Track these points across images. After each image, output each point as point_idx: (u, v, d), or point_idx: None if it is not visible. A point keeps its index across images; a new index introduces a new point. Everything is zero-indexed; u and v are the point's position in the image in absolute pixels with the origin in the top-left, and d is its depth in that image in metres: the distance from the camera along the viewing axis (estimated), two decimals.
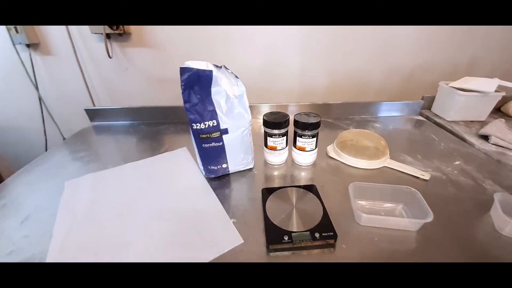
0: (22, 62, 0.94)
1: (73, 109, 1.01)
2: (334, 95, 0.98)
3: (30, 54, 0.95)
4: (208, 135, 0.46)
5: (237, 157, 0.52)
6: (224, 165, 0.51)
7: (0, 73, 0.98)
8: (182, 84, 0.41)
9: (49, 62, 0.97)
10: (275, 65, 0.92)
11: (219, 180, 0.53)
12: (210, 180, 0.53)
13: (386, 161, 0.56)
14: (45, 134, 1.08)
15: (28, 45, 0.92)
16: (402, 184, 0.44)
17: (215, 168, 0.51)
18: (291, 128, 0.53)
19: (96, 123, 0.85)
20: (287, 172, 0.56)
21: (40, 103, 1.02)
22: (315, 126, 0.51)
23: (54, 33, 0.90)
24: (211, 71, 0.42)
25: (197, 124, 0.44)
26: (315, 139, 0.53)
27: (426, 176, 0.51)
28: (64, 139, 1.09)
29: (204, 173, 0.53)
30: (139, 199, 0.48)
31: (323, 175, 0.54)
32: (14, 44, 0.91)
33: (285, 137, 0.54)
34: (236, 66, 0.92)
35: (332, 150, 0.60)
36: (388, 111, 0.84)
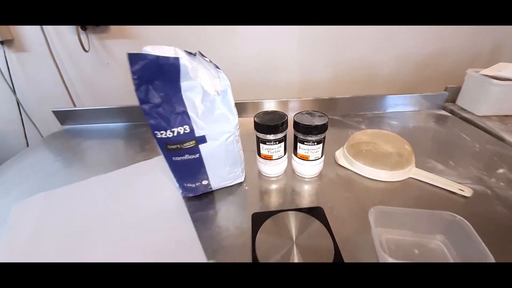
0: None
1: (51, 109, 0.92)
2: (339, 88, 0.85)
3: (4, 52, 0.85)
4: (179, 146, 0.35)
5: (221, 171, 0.40)
6: (205, 182, 0.40)
7: None
8: (134, 77, 0.29)
9: (24, 60, 0.86)
10: (272, 57, 0.80)
11: (200, 200, 0.42)
12: (188, 200, 0.42)
13: (412, 171, 0.44)
14: (25, 138, 0.98)
15: (1, 42, 0.82)
16: (435, 203, 0.33)
17: (193, 186, 0.40)
18: (290, 130, 0.42)
19: (67, 126, 0.74)
20: (286, 185, 0.44)
21: (18, 105, 0.91)
22: (321, 129, 0.39)
23: (28, 28, 0.79)
24: (177, 59, 0.30)
25: (161, 131, 0.33)
26: (321, 145, 0.41)
27: (467, 191, 0.39)
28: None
29: (180, 191, 0.42)
30: (95, 228, 0.38)
31: (332, 191, 0.42)
32: None
33: (282, 143, 0.42)
34: (229, 57, 0.80)
35: (342, 156, 0.48)
36: (405, 105, 0.72)
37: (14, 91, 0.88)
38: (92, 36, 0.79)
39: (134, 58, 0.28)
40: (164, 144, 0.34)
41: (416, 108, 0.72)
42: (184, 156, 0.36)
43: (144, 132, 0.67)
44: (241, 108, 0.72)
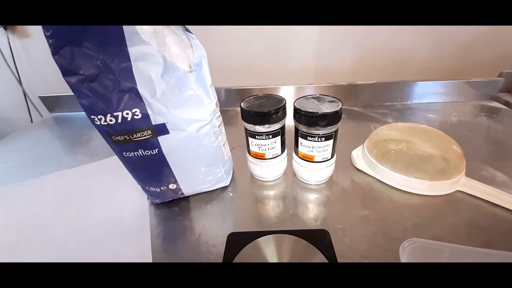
0: None
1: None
2: (362, 75, 0.72)
3: (7, 37, 0.80)
4: (128, 137, 0.25)
5: (194, 173, 0.30)
6: (172, 186, 0.30)
7: None
8: (47, 34, 0.20)
9: (27, 45, 0.81)
10: (285, 38, 0.68)
11: (168, 208, 0.32)
12: (155, 207, 0.32)
13: (461, 182, 0.31)
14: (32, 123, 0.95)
15: (5, 28, 0.77)
16: (500, 233, 0.21)
17: (157, 190, 0.30)
18: (290, 121, 0.31)
19: (56, 114, 0.68)
20: (283, 194, 0.33)
21: (24, 93, 0.88)
22: (332, 119, 0.28)
23: None
24: None
25: (99, 116, 0.23)
26: (330, 142, 0.30)
27: None
28: None
29: (147, 196, 0.33)
30: (34, 236, 0.30)
31: (345, 206, 0.31)
32: None
33: (278, 137, 0.31)
34: (238, 39, 0.70)
35: (360, 158, 0.37)
36: (446, 94, 0.57)
37: (19, 79, 0.84)
38: None
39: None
40: (107, 134, 0.25)
41: (460, 98, 0.57)
42: (137, 151, 0.26)
43: None
44: (241, 95, 0.61)
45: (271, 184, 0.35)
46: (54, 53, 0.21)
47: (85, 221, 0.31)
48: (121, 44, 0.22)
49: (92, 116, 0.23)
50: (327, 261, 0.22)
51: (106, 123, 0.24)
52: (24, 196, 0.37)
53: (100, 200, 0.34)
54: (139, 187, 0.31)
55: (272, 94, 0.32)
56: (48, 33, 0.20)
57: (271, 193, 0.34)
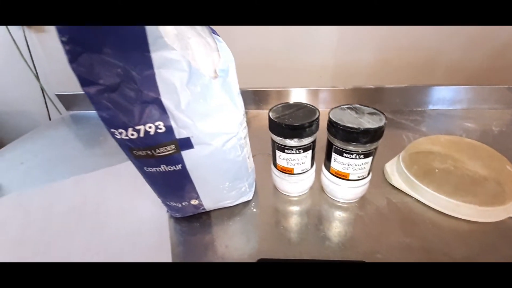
0: (14, 41, 0.79)
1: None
2: (385, 76, 0.67)
3: (24, 32, 0.80)
4: (150, 152, 0.23)
5: (218, 188, 0.28)
6: (194, 202, 0.28)
7: None
8: (63, 39, 0.17)
9: (44, 39, 0.81)
10: (303, 35, 0.64)
11: (188, 223, 0.30)
12: (175, 220, 0.31)
13: None
14: (49, 118, 0.96)
15: None
16: None
17: (178, 205, 0.28)
18: (321, 134, 0.28)
19: (73, 112, 0.67)
20: (311, 211, 0.31)
21: (41, 87, 0.88)
22: (374, 135, 0.24)
23: None
24: None
25: (120, 130, 0.21)
26: (369, 159, 0.27)
27: None
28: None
29: (167, 209, 0.31)
30: (54, 242, 0.28)
31: (382, 230, 0.28)
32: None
33: (309, 151, 0.28)
34: (254, 35, 0.66)
35: (395, 173, 0.33)
36: (483, 100, 0.53)
37: (36, 73, 0.84)
38: None
39: None
40: (128, 149, 0.23)
41: (499, 105, 0.52)
42: (159, 167, 0.24)
43: None
44: (258, 96, 0.58)
45: (296, 200, 0.33)
46: (71, 61, 0.18)
47: (103, 234, 0.30)
48: (143, 50, 0.20)
49: (112, 130, 0.21)
50: None
51: (127, 138, 0.21)
52: (39, 202, 0.35)
53: (117, 210, 0.33)
54: (159, 199, 0.29)
55: (302, 103, 0.29)
56: (65, 39, 0.17)
57: (297, 209, 0.31)
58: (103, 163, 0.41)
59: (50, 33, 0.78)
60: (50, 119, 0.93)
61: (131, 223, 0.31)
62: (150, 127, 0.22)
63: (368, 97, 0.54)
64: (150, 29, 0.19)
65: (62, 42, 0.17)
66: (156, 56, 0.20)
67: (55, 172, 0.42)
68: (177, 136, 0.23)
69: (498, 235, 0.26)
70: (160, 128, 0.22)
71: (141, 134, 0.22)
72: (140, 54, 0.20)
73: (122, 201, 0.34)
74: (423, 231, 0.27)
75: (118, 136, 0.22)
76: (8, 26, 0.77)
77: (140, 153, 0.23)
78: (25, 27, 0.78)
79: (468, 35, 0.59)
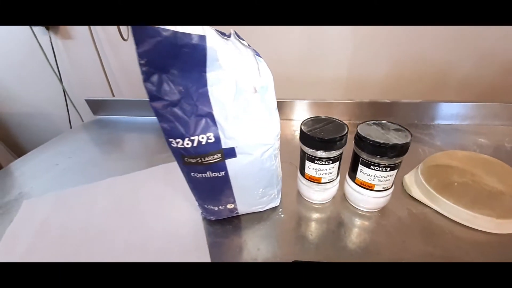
0: (41, 46, 0.84)
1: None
2: (396, 90, 0.70)
3: (50, 38, 0.84)
4: (200, 160, 0.25)
5: (252, 194, 0.30)
6: (230, 206, 0.31)
7: (19, 58, 0.89)
8: (142, 62, 0.20)
9: (69, 46, 0.85)
10: (318, 47, 0.67)
11: (221, 225, 0.33)
12: (208, 223, 0.33)
13: None
14: (69, 122, 0.99)
15: (47, 28, 0.81)
16: None
17: (215, 208, 0.31)
18: (348, 147, 0.30)
19: (100, 116, 0.71)
20: (335, 219, 0.33)
21: (64, 91, 0.92)
22: (401, 150, 0.27)
23: None
24: (203, 39, 0.21)
25: (177, 140, 0.24)
26: (394, 172, 0.29)
27: None
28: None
29: (200, 211, 0.33)
30: (97, 239, 0.31)
31: (405, 239, 0.30)
32: (31, 27, 0.80)
33: (337, 163, 0.31)
34: (270, 43, 0.69)
35: (414, 185, 0.35)
36: (495, 116, 0.55)
37: (60, 78, 0.88)
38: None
39: (141, 34, 0.19)
40: (180, 156, 0.25)
41: (510, 122, 0.54)
42: (205, 173, 0.27)
43: None
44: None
45: (320, 207, 0.35)
46: (145, 80, 0.21)
47: (142, 233, 0.32)
48: (201, 71, 0.23)
49: (170, 139, 0.24)
50: None
51: (182, 146, 0.24)
52: (78, 202, 0.38)
53: (153, 212, 0.35)
54: (192, 201, 0.32)
55: (331, 118, 0.32)
56: (143, 61, 0.20)
57: (322, 216, 0.34)
58: (133, 167, 0.44)
59: (76, 40, 0.82)
60: (70, 123, 0.97)
61: (167, 224, 0.33)
62: (202, 138, 0.24)
63: (384, 111, 0.57)
64: (209, 54, 0.22)
65: (140, 64, 0.20)
66: (211, 76, 0.23)
67: (89, 173, 0.45)
68: (223, 146, 0.25)
69: None
70: (211, 139, 0.25)
71: (195, 144, 0.24)
72: (199, 74, 0.23)
73: (156, 203, 0.37)
74: (444, 241, 0.29)
75: (174, 145, 0.24)
76: (35, 32, 0.81)
77: (191, 160, 0.25)
78: (51, 32, 0.83)
79: (479, 50, 0.62)
